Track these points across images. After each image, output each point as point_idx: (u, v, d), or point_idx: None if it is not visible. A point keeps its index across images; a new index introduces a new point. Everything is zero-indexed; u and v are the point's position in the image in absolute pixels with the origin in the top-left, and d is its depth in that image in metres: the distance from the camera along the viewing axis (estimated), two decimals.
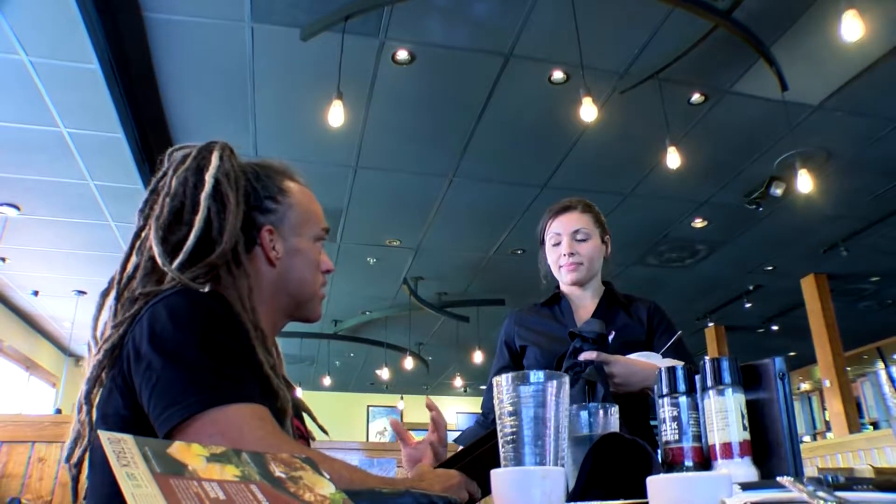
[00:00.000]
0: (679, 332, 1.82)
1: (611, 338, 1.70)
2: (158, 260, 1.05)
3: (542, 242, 2.02)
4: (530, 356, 1.93)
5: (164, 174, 1.14)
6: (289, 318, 1.23)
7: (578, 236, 1.93)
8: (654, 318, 1.91)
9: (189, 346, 0.94)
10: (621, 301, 1.96)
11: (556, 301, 2.00)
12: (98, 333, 1.06)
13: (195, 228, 1.07)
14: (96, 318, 1.07)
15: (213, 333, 0.97)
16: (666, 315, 1.94)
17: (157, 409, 0.91)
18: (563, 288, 2.00)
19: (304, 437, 1.23)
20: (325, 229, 1.27)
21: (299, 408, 1.23)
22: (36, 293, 7.73)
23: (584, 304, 1.97)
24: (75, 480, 1.02)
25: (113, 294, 1.07)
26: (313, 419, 1.26)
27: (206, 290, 1.04)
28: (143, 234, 1.11)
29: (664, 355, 1.70)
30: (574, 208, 1.97)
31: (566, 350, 1.64)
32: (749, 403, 0.96)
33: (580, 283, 1.95)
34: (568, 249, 1.92)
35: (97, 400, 1.02)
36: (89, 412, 1.01)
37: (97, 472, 0.99)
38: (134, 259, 1.10)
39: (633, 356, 1.66)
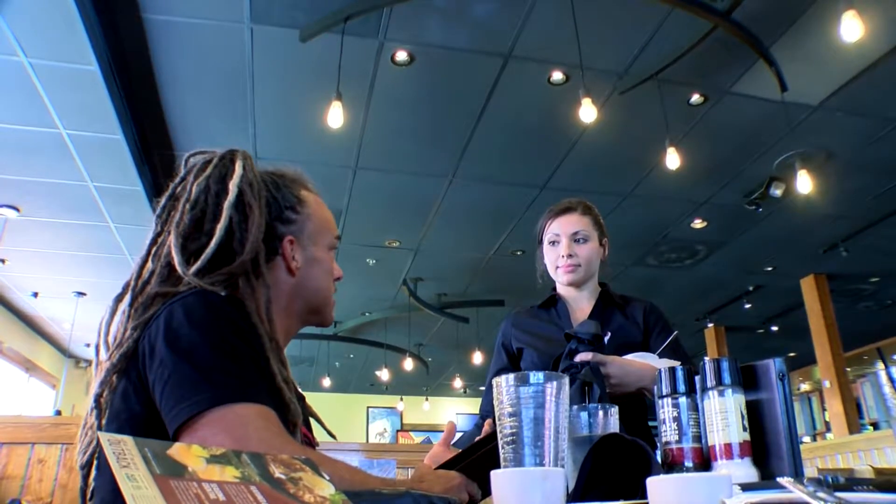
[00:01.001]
0: (675, 333, 1.82)
1: (606, 339, 1.70)
2: (178, 268, 1.04)
3: (540, 242, 2.02)
4: (527, 358, 1.93)
5: (183, 180, 1.13)
6: (303, 323, 1.25)
7: (577, 237, 1.93)
8: (650, 318, 1.91)
9: (202, 346, 0.95)
10: (617, 302, 1.96)
11: (553, 303, 2.00)
12: (110, 338, 1.06)
13: (216, 237, 1.07)
14: (108, 323, 1.07)
15: (226, 334, 0.98)
16: (662, 315, 1.94)
17: (168, 406, 0.92)
18: (560, 289, 2.00)
19: (311, 443, 1.23)
20: (338, 237, 1.29)
21: (307, 414, 1.23)
22: (35, 295, 7.73)
23: (581, 305, 1.97)
24: (85, 481, 1.03)
25: (127, 299, 1.07)
26: (321, 424, 1.26)
27: (224, 293, 1.04)
28: (159, 241, 1.11)
29: (660, 356, 1.70)
30: (574, 209, 1.97)
31: (563, 352, 1.64)
32: (749, 404, 0.96)
33: (576, 285, 1.95)
34: (566, 251, 1.91)
35: (110, 399, 1.02)
36: (99, 416, 1.01)
37: (102, 473, 0.99)
38: (150, 265, 1.09)
39: (629, 357, 1.66)
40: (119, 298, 1.08)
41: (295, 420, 1.06)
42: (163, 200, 1.13)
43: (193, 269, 1.05)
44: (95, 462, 1.02)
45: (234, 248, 1.09)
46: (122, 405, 0.99)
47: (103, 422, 1.02)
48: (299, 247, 1.19)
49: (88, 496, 1.03)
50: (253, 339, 1.02)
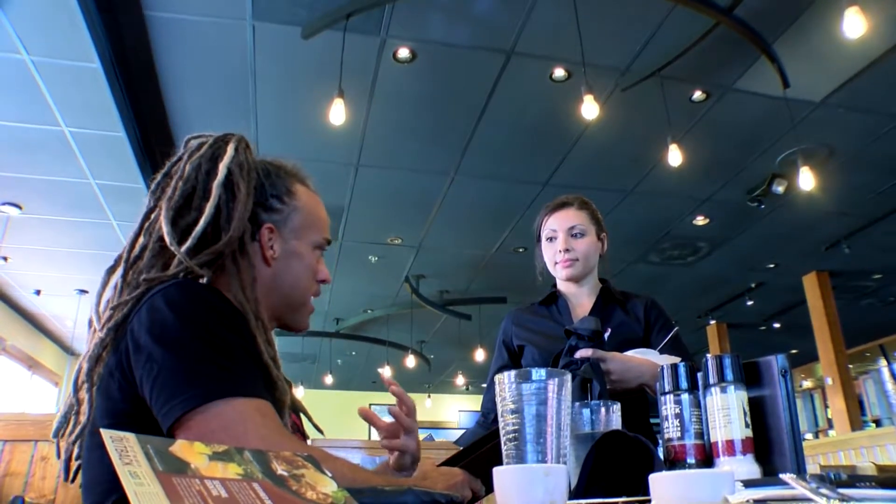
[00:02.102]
0: (676, 328, 1.81)
1: (606, 335, 1.70)
2: (167, 240, 1.05)
3: (539, 239, 2.02)
4: (528, 355, 1.93)
5: (179, 159, 1.15)
6: (277, 322, 1.23)
7: (574, 232, 1.92)
8: (651, 314, 1.91)
9: (190, 338, 0.94)
10: (618, 298, 1.95)
11: (554, 300, 2.00)
12: (101, 309, 1.06)
13: (205, 214, 1.08)
14: (100, 295, 1.08)
15: (213, 325, 0.97)
16: (663, 311, 1.93)
17: (160, 402, 0.90)
18: (560, 286, 2.00)
19: (301, 432, 1.23)
20: (327, 240, 1.26)
21: (296, 405, 1.24)
22: (38, 292, 7.74)
23: (581, 301, 1.97)
24: (68, 456, 1.03)
25: (119, 272, 1.08)
26: (309, 418, 1.27)
27: (205, 281, 1.06)
28: (152, 216, 1.12)
29: (661, 352, 1.70)
30: (570, 205, 1.96)
31: (563, 348, 1.64)
32: (751, 400, 0.96)
33: (575, 280, 1.95)
34: (563, 246, 1.91)
35: (96, 386, 1.02)
36: (90, 389, 1.01)
37: (94, 463, 0.98)
38: (142, 240, 1.10)
39: (630, 353, 1.65)
40: (111, 270, 1.10)
41: (283, 399, 1.06)
42: (158, 178, 1.14)
43: (185, 247, 1.05)
44: (87, 441, 1.02)
45: (221, 226, 1.10)
46: (109, 402, 0.98)
47: (94, 395, 1.01)
48: (279, 237, 1.18)
49: (73, 469, 1.03)
50: (240, 325, 1.02)
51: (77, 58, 3.83)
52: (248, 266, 1.11)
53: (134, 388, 0.95)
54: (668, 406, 1.00)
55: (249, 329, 1.03)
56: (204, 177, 1.12)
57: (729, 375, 0.95)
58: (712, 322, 9.31)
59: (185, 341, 0.94)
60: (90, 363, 1.02)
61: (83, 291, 7.71)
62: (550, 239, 1.96)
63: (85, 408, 1.02)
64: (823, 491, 0.63)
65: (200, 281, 1.09)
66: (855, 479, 0.71)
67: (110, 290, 1.08)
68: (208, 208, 1.08)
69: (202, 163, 1.13)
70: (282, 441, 0.89)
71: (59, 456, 1.04)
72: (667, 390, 1.00)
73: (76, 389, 1.03)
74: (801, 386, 11.11)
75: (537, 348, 1.90)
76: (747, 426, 0.93)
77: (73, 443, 1.03)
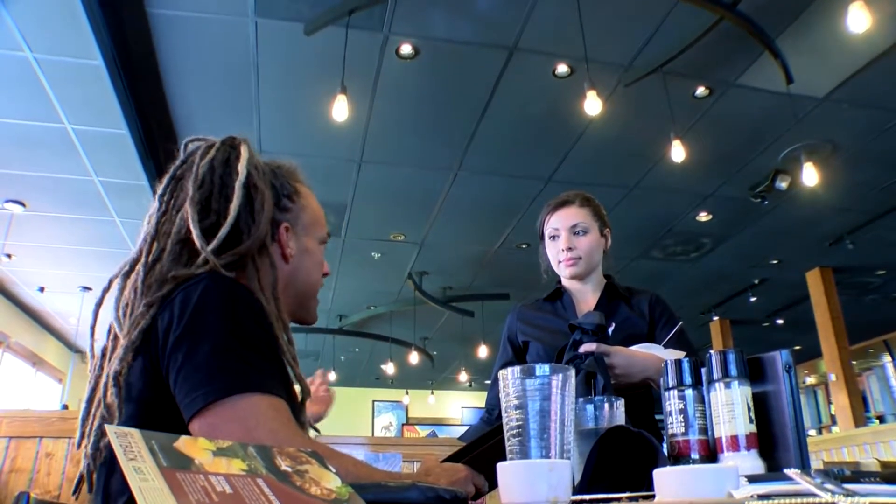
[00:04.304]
0: (680, 323, 1.81)
1: (610, 330, 1.70)
2: (197, 243, 1.06)
3: (542, 237, 2.01)
4: (533, 351, 1.93)
5: (184, 163, 1.15)
6: (290, 317, 1.25)
7: (577, 230, 1.91)
8: (656, 309, 1.90)
9: (218, 332, 0.96)
10: (622, 294, 1.95)
11: (558, 296, 2.00)
12: (120, 314, 1.06)
13: (231, 215, 1.09)
14: (118, 300, 1.07)
15: (242, 320, 0.99)
16: (667, 306, 1.93)
17: (182, 393, 0.93)
18: (564, 282, 2.00)
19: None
20: (328, 234, 1.31)
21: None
22: (42, 289, 7.76)
23: (586, 298, 1.97)
24: (93, 462, 1.02)
25: (139, 275, 1.07)
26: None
27: (234, 277, 1.06)
28: (164, 219, 1.12)
29: (666, 346, 1.70)
30: (572, 202, 1.96)
31: (567, 343, 1.64)
32: (755, 396, 0.96)
33: (580, 278, 1.94)
34: (566, 244, 1.91)
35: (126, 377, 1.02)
36: (118, 394, 1.01)
37: (109, 461, 0.99)
38: (158, 243, 1.10)
39: (634, 348, 1.65)
40: (126, 275, 1.09)
41: (302, 397, 1.08)
42: (165, 181, 1.14)
43: (211, 247, 1.06)
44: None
45: (241, 228, 1.11)
46: (133, 390, 0.99)
47: (122, 399, 1.01)
48: (294, 235, 1.21)
49: (95, 472, 1.03)
50: (266, 324, 1.03)
51: (80, 55, 3.84)
52: (268, 266, 1.13)
53: (159, 377, 0.97)
54: (672, 401, 1.00)
55: (273, 328, 1.05)
56: (220, 179, 1.12)
57: (733, 371, 0.95)
58: (715, 318, 9.30)
59: (212, 334, 0.95)
60: (119, 365, 1.01)
61: (87, 288, 7.73)
62: (553, 237, 1.95)
63: (115, 411, 1.02)
64: (828, 486, 0.63)
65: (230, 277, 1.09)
66: (859, 474, 0.71)
67: (129, 294, 1.07)
68: (232, 209, 1.09)
69: (216, 165, 1.13)
70: (290, 436, 0.91)
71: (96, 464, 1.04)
72: (671, 385, 1.00)
73: (104, 394, 1.03)
74: (804, 382, 11.10)
75: (542, 344, 1.90)
76: (751, 422, 0.93)
77: (98, 447, 1.02)
